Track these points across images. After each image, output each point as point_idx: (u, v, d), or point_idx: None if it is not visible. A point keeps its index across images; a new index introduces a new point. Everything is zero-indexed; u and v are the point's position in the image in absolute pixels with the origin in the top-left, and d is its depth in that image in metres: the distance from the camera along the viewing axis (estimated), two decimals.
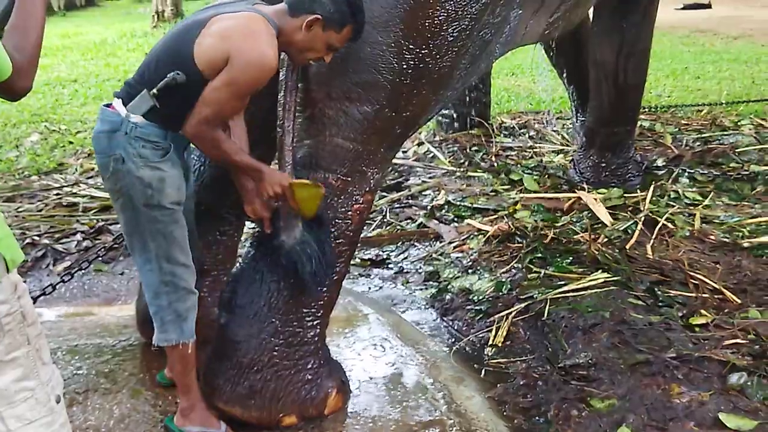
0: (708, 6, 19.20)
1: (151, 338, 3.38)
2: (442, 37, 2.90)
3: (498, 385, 3.26)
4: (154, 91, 2.53)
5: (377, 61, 2.84)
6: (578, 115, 6.23)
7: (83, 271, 3.97)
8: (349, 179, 2.93)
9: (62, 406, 1.86)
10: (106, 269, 4.49)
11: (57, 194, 5.70)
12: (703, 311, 3.63)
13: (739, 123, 7.21)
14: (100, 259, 4.23)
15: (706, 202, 5.12)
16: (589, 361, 3.26)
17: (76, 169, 6.34)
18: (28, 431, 1.75)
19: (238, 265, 3.06)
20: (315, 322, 2.95)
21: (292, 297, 2.89)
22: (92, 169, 6.31)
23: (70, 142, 7.27)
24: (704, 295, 3.79)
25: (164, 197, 2.62)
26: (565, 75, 6.16)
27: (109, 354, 3.47)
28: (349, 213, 2.97)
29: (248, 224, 3.82)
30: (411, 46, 2.85)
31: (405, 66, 2.86)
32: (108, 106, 2.64)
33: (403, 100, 2.93)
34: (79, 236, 4.90)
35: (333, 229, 2.93)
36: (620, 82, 5.34)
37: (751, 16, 17.14)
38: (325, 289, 2.95)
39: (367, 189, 3.00)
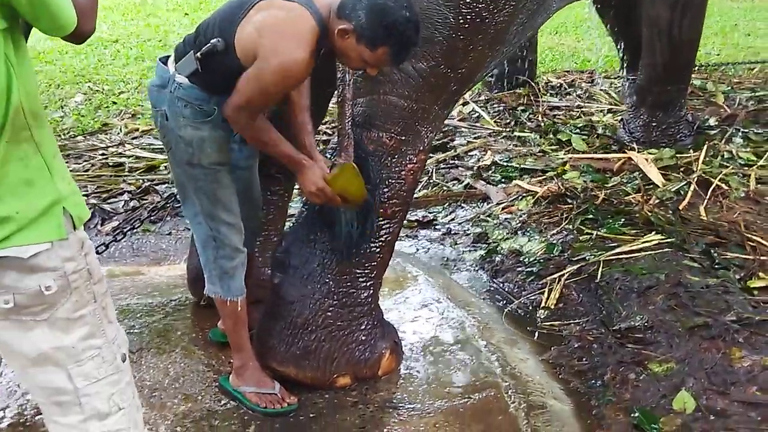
0: None
1: (201, 297, 3.42)
2: None
3: (552, 348, 3.22)
4: (198, 54, 2.48)
5: (433, 15, 2.76)
6: (628, 73, 6.08)
7: (134, 230, 3.98)
8: (403, 138, 2.88)
9: (128, 365, 1.85)
10: (154, 229, 4.51)
11: (102, 154, 5.72)
12: (761, 274, 3.54)
13: None
14: (150, 219, 4.23)
15: (761, 162, 4.97)
16: (645, 324, 3.20)
17: (120, 130, 6.36)
18: (95, 389, 1.74)
19: (290, 225, 3.03)
20: (368, 283, 2.93)
21: (345, 257, 2.87)
22: (136, 130, 6.33)
23: (114, 103, 7.28)
24: (762, 258, 3.69)
25: (204, 157, 2.60)
26: (615, 32, 6.00)
27: (160, 313, 3.48)
28: (403, 173, 2.92)
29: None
30: (468, 0, 2.77)
31: (461, 20, 2.78)
32: (165, 59, 2.64)
33: (459, 56, 2.85)
34: (126, 196, 4.92)
35: (386, 190, 2.88)
36: (675, 38, 5.17)
37: None
38: (377, 249, 2.92)
39: (421, 148, 2.95)
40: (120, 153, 5.74)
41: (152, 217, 4.40)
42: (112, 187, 5.06)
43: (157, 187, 5.03)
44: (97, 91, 7.77)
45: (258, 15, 2.40)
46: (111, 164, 5.51)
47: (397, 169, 2.90)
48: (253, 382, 2.84)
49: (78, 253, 1.69)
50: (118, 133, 6.28)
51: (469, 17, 2.78)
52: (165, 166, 5.40)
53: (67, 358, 1.71)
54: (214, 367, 3.05)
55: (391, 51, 2.41)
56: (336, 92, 2.79)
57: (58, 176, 1.66)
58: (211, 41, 2.45)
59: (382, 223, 2.91)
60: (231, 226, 2.72)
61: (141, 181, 5.14)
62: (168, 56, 2.64)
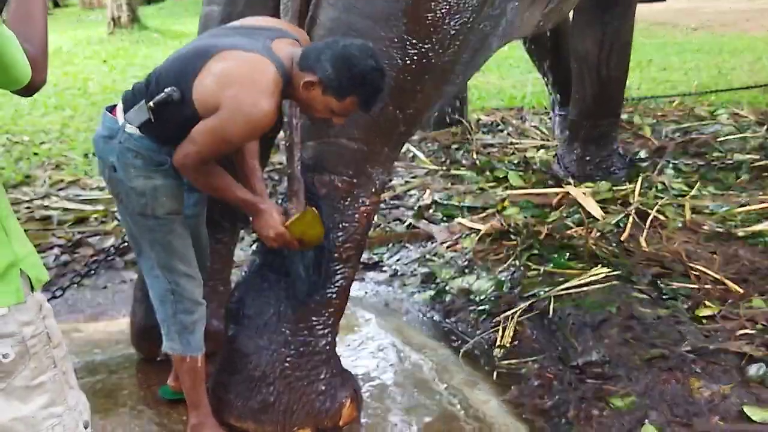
0: None
1: (147, 353, 3.27)
2: (444, 31, 2.82)
3: (512, 387, 3.18)
4: (151, 104, 2.38)
5: (380, 56, 2.73)
6: (558, 108, 6.19)
7: (75, 285, 3.82)
8: (355, 181, 2.83)
9: None
10: (88, 283, 4.31)
11: (27, 208, 5.48)
12: (707, 303, 3.59)
13: (715, 113, 7.25)
14: (92, 272, 4.07)
15: (693, 192, 5.11)
16: (603, 359, 3.19)
17: (44, 181, 6.11)
18: None
19: (243, 273, 2.93)
20: (326, 331, 2.84)
21: (301, 305, 2.78)
22: (61, 181, 6.10)
23: (36, 154, 7.01)
24: (707, 287, 3.76)
25: (159, 207, 2.50)
26: (544, 68, 6.11)
27: (104, 372, 3.31)
28: (356, 216, 2.86)
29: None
30: (414, 41, 2.76)
31: (408, 61, 2.77)
32: (111, 108, 2.53)
33: (407, 97, 2.84)
34: (56, 250, 4.71)
35: (340, 234, 2.82)
36: (603, 74, 5.30)
37: (705, 6, 17.39)
38: (334, 295, 2.85)
39: (373, 190, 2.90)
40: (46, 206, 5.50)
41: (91, 271, 4.21)
42: (41, 241, 4.83)
43: (89, 240, 4.84)
44: (16, 142, 7.49)
45: (217, 66, 2.32)
46: (37, 217, 5.28)
47: (349, 212, 2.84)
48: None
49: (36, 316, 1.59)
50: (42, 185, 6.04)
51: (416, 58, 2.78)
52: (95, 218, 5.22)
53: (26, 429, 1.59)
54: (166, 427, 2.91)
55: (360, 100, 2.37)
56: (283, 135, 2.74)
57: (14, 236, 1.55)
58: (165, 90, 2.35)
59: (337, 267, 2.85)
60: (190, 278, 2.62)
61: (71, 234, 4.94)
62: (114, 106, 2.53)
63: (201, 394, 2.73)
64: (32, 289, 1.59)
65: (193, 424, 2.74)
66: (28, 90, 1.56)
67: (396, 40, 2.73)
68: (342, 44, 2.37)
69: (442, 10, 2.79)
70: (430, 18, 2.77)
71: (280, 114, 2.64)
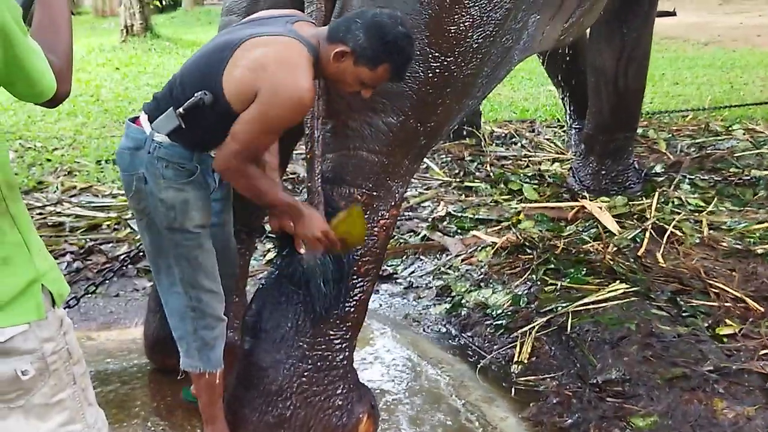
0: (673, 14, 19.40)
1: (160, 363, 3.24)
2: (467, 44, 2.79)
3: (531, 405, 3.13)
4: (180, 110, 2.34)
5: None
6: (574, 122, 6.16)
7: (89, 294, 3.80)
8: (375, 194, 2.79)
9: None
10: (101, 291, 4.28)
11: (40, 214, 5.46)
12: (728, 321, 3.55)
13: (730, 128, 7.20)
14: (107, 281, 4.04)
15: (711, 208, 5.06)
16: (623, 377, 3.15)
17: (57, 188, 6.09)
18: None
19: (259, 286, 2.90)
20: (343, 345, 2.80)
21: (319, 319, 2.74)
22: (74, 187, 6.08)
23: (48, 160, 6.99)
24: (726, 304, 3.71)
25: (188, 220, 2.45)
26: (559, 81, 6.08)
27: (116, 382, 3.28)
28: (375, 229, 2.82)
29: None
30: (436, 54, 2.74)
31: (430, 74, 2.75)
32: (134, 120, 2.47)
33: (428, 110, 2.81)
34: (68, 257, 4.68)
35: (359, 247, 2.78)
36: (621, 87, 5.26)
37: (715, 22, 17.33)
38: (352, 309, 2.81)
39: (393, 203, 2.87)
40: (58, 212, 5.48)
41: (105, 279, 4.18)
42: (53, 247, 4.81)
43: (101, 247, 4.82)
44: (29, 148, 7.48)
45: (247, 55, 2.28)
46: (50, 224, 5.25)
47: (369, 225, 2.81)
48: None
49: (57, 332, 1.55)
50: (55, 192, 6.02)
51: (437, 70, 2.75)
52: (108, 225, 5.20)
53: None
54: None
55: (393, 67, 2.36)
56: (304, 148, 2.71)
57: (36, 251, 1.52)
58: (196, 95, 2.31)
59: (356, 281, 2.81)
60: (213, 294, 2.57)
61: (84, 240, 4.91)
62: (136, 117, 2.49)
63: (218, 409, 2.69)
64: (53, 304, 1.56)
65: None
66: (53, 102, 1.53)
67: (418, 53, 2.69)
68: (372, 13, 2.37)
69: (465, 24, 2.76)
70: (453, 31, 2.74)
71: (302, 122, 2.62)
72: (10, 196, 1.48)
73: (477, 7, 2.77)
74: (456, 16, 2.74)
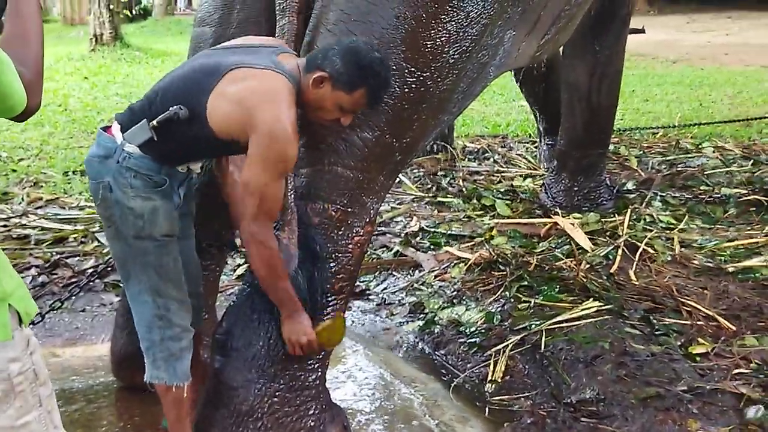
0: (642, 31, 19.63)
1: (128, 381, 3.16)
2: (443, 59, 2.76)
3: (505, 425, 3.09)
4: (154, 122, 2.34)
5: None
6: (546, 138, 6.17)
7: (55, 310, 3.71)
8: (350, 209, 2.75)
9: None
10: (66, 306, 4.18)
11: (4, 226, 5.34)
12: (700, 340, 3.55)
13: (700, 145, 7.27)
14: (73, 296, 3.95)
15: (682, 225, 5.08)
16: (597, 396, 3.13)
17: (22, 199, 5.97)
18: None
19: (230, 303, 2.84)
20: (316, 365, 2.74)
21: None
22: (40, 199, 5.96)
23: (14, 170, 6.86)
24: (699, 323, 3.72)
25: (156, 229, 2.45)
26: (533, 97, 6.09)
27: (82, 400, 3.19)
28: (350, 245, 2.77)
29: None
30: (412, 69, 2.70)
31: (406, 89, 2.71)
32: (106, 129, 2.45)
33: (404, 125, 2.78)
34: (33, 271, 4.58)
35: (332, 264, 2.74)
36: (594, 103, 5.29)
37: (683, 40, 17.57)
38: None
39: (368, 220, 2.82)
40: (24, 224, 5.36)
41: (72, 295, 4.09)
42: (18, 261, 4.69)
43: (67, 260, 4.71)
44: None
45: (235, 86, 2.32)
46: (15, 236, 5.14)
47: (343, 242, 2.76)
48: None
49: (23, 352, 1.50)
50: (20, 203, 5.90)
51: (414, 86, 2.72)
52: (74, 238, 5.09)
53: None
54: None
55: (369, 91, 2.41)
56: None
57: (2, 270, 1.46)
58: (171, 108, 2.32)
59: (329, 299, 2.76)
60: (180, 303, 2.56)
61: (49, 254, 4.81)
62: (109, 126, 2.46)
63: (185, 426, 2.65)
64: (20, 322, 1.50)
65: None
66: (23, 115, 1.48)
67: (394, 67, 2.66)
68: (348, 41, 2.46)
69: (442, 39, 2.73)
70: (429, 46, 2.72)
71: None
72: None
73: (453, 23, 2.75)
74: (432, 32, 2.71)
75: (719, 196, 5.67)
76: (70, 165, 6.78)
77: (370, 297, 4.38)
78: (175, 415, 2.62)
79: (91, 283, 4.29)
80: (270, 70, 2.35)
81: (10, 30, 1.50)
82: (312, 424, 2.71)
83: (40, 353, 1.58)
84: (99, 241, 4.95)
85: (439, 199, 5.88)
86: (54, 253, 4.81)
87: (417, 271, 4.61)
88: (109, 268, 4.36)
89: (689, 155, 6.95)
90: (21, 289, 1.54)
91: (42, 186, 6.31)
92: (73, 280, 4.39)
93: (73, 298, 4.12)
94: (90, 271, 4.39)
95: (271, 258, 2.43)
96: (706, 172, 6.27)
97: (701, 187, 5.92)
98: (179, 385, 2.59)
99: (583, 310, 3.79)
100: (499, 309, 3.95)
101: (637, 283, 4.17)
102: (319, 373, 2.76)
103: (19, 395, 1.50)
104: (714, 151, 7.02)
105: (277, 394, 2.66)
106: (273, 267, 2.45)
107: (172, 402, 2.61)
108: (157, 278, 2.50)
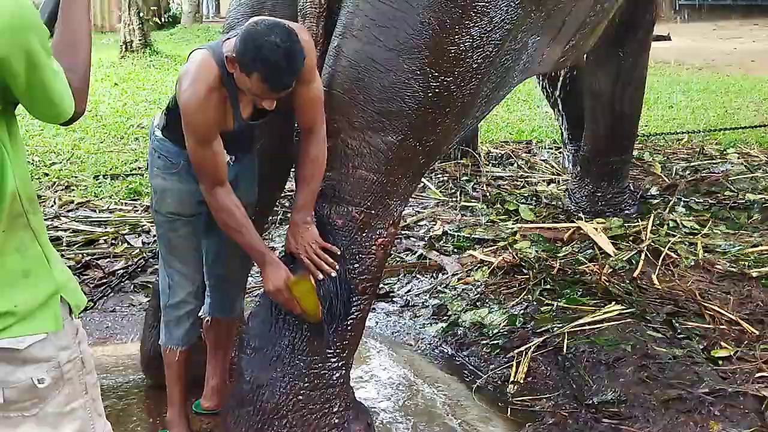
0: (668, 38, 19.52)
1: (157, 379, 3.25)
2: (467, 64, 2.82)
3: (527, 425, 3.13)
4: (164, 109, 2.67)
5: (402, 89, 2.74)
6: (570, 144, 6.19)
7: (86, 310, 3.79)
8: (373, 212, 2.81)
9: None
10: (97, 306, 4.27)
11: None
12: (723, 343, 3.57)
13: (725, 151, 7.25)
14: (104, 296, 4.06)
15: (705, 230, 5.08)
16: (619, 398, 3.15)
17: (54, 202, 6.09)
18: None
19: (256, 303, 2.91)
20: (340, 363, 2.80)
21: (316, 337, 2.75)
22: (71, 202, 6.09)
23: (46, 174, 7.00)
24: (722, 327, 3.72)
25: (163, 206, 2.74)
26: (558, 104, 6.12)
27: (112, 397, 3.26)
28: (373, 247, 2.83)
29: None
30: (436, 73, 2.76)
31: (430, 94, 2.77)
32: None
33: (427, 130, 2.83)
34: None
35: (356, 265, 2.80)
36: (617, 110, 5.30)
37: (709, 47, 17.43)
38: (349, 327, 2.81)
39: (391, 222, 2.88)
40: (56, 227, 5.48)
41: (103, 296, 4.19)
42: None
43: (98, 262, 4.82)
44: (27, 162, 7.48)
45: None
46: None
47: (367, 243, 2.82)
48: None
49: (72, 341, 1.60)
50: (52, 206, 6.02)
51: (437, 90, 2.77)
52: (105, 240, 5.20)
53: None
54: None
55: (262, 76, 2.33)
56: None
57: (54, 263, 1.55)
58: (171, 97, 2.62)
59: (353, 299, 2.81)
60: (183, 277, 2.82)
61: (80, 255, 4.92)
62: None
63: (176, 391, 2.89)
64: (70, 314, 1.59)
65: (168, 419, 2.94)
66: (70, 120, 1.55)
67: (418, 72, 2.72)
68: (257, 21, 2.39)
69: (465, 44, 2.79)
70: (453, 51, 2.77)
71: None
72: (31, 210, 1.51)
73: (477, 28, 2.80)
74: (456, 37, 2.76)
75: (743, 201, 5.66)
76: (100, 169, 6.91)
77: (395, 299, 4.44)
78: (168, 378, 2.89)
79: (121, 284, 4.40)
80: (200, 49, 2.53)
81: (61, 37, 1.56)
82: (336, 421, 2.77)
83: (87, 343, 1.66)
84: (129, 243, 5.05)
85: (462, 203, 5.92)
86: (85, 255, 4.92)
87: (440, 274, 4.66)
88: (138, 269, 4.46)
89: (713, 161, 6.93)
90: (71, 281, 1.62)
91: (73, 189, 6.44)
92: (104, 281, 4.50)
93: (104, 298, 4.22)
94: (120, 272, 4.50)
95: (228, 218, 2.56)
96: (730, 178, 6.25)
97: (725, 193, 5.90)
98: (172, 348, 2.85)
99: (605, 313, 3.81)
100: (521, 312, 3.99)
101: (659, 287, 4.18)
102: (343, 372, 2.81)
103: (68, 382, 1.58)
104: (739, 157, 7.00)
105: (301, 392, 2.72)
106: (228, 226, 2.58)
107: (167, 363, 2.89)
108: (164, 250, 2.83)
